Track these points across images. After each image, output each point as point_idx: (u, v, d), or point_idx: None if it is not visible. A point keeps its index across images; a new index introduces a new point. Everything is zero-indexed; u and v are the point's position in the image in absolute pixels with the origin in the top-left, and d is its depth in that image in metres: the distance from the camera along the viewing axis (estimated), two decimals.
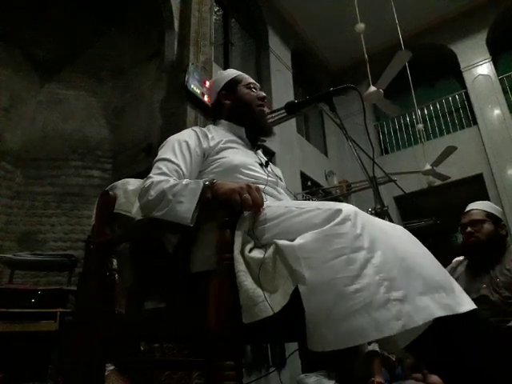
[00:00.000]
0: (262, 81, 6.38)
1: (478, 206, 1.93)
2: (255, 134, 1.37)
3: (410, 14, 7.08)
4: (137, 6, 4.99)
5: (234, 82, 1.41)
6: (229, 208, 0.95)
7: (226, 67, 5.85)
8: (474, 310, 0.81)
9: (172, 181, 1.06)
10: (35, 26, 4.75)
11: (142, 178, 1.30)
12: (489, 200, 6.43)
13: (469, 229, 1.87)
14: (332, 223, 0.86)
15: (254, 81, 1.43)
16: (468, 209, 1.96)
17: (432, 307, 0.78)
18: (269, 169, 1.30)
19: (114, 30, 5.22)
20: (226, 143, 1.27)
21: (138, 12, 5.04)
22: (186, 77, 4.12)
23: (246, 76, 1.44)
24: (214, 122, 1.44)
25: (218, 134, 1.31)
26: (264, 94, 1.41)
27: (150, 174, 1.14)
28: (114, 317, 1.24)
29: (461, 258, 2.01)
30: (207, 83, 4.40)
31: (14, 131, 4.61)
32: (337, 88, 1.35)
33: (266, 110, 1.44)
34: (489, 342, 0.81)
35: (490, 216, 1.87)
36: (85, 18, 4.99)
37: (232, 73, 1.45)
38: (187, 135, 1.27)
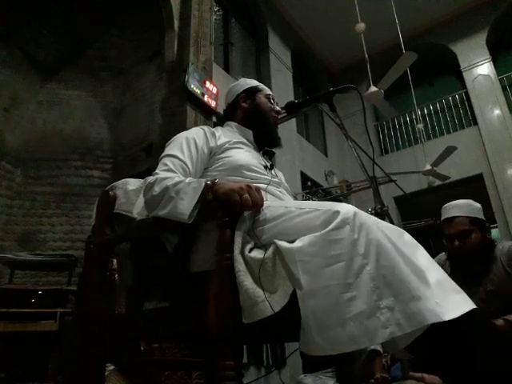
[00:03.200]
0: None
1: (460, 213, 1.76)
2: (263, 141, 1.39)
3: (410, 14, 7.07)
4: (137, 7, 4.99)
5: (254, 89, 1.45)
6: (229, 208, 0.95)
7: (226, 67, 5.85)
8: (473, 309, 0.81)
9: (176, 178, 1.07)
10: (35, 25, 4.75)
11: (142, 178, 1.31)
12: (488, 200, 6.43)
13: (457, 242, 1.74)
14: (331, 226, 0.87)
15: (272, 94, 1.47)
16: (449, 215, 1.78)
17: (424, 314, 0.77)
18: (273, 172, 1.32)
19: (113, 30, 5.22)
20: (233, 144, 1.29)
21: (138, 12, 5.04)
22: (186, 77, 4.12)
23: (267, 88, 1.48)
24: (223, 124, 1.46)
25: (225, 135, 1.33)
26: (279, 109, 1.45)
27: (156, 170, 1.15)
28: (114, 317, 1.24)
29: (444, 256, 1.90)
30: (207, 83, 4.41)
31: (14, 131, 4.61)
32: (337, 88, 1.36)
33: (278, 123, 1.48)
34: (488, 342, 0.81)
35: (474, 222, 1.74)
36: (85, 18, 4.99)
37: (254, 82, 1.49)
38: (195, 133, 1.28)
